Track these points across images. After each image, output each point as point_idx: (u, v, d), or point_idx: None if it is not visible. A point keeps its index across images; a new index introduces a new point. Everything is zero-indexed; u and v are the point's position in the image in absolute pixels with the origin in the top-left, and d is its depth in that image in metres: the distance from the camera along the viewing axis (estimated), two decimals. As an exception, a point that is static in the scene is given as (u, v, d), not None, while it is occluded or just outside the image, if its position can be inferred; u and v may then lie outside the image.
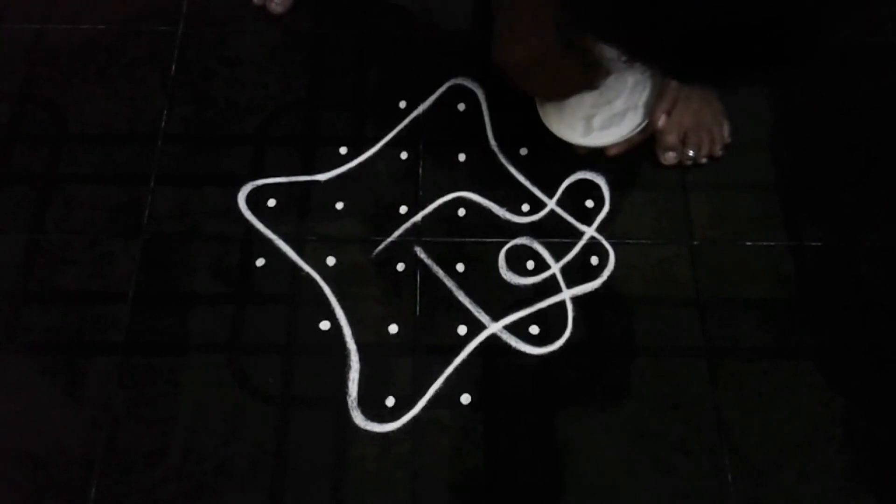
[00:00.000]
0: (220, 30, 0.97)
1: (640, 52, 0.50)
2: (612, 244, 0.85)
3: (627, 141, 0.82)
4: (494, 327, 0.81)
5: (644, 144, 0.86)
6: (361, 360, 0.79)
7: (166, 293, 0.82)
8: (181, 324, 0.80)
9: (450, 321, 0.81)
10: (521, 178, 0.89)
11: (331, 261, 0.84)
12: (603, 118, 0.82)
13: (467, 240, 0.85)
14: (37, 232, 0.85)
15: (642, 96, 0.82)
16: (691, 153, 0.88)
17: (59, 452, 0.75)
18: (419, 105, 0.92)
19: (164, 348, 0.79)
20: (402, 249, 0.85)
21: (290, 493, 0.73)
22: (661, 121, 0.83)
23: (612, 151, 0.83)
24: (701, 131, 0.88)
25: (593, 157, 0.86)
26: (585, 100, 0.82)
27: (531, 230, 0.86)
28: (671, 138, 0.88)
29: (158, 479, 0.74)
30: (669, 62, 0.49)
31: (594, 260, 0.85)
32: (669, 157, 0.88)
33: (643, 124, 0.81)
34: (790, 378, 0.79)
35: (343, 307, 0.82)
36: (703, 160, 0.89)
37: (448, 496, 0.74)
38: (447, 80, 0.94)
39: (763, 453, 0.76)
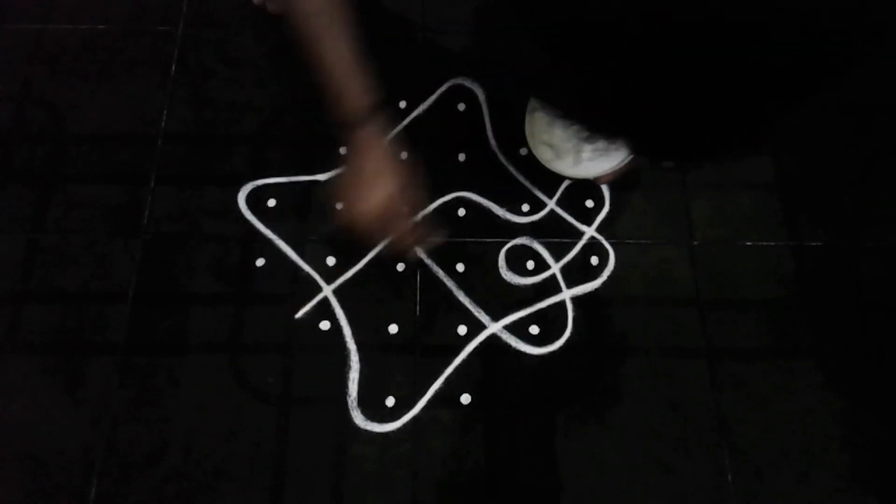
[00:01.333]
0: (220, 30, 0.97)
1: (601, 133, 0.50)
2: (612, 244, 0.85)
3: (617, 170, 0.82)
4: (494, 327, 0.81)
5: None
6: (361, 360, 0.79)
7: (166, 293, 0.82)
8: (181, 324, 0.80)
9: (450, 321, 0.81)
10: (521, 178, 0.89)
11: (331, 261, 0.84)
12: (592, 149, 0.82)
13: (467, 240, 0.85)
14: (37, 232, 0.85)
15: None
16: None
17: (59, 452, 0.75)
18: (419, 105, 0.92)
19: (164, 348, 0.79)
20: (402, 249, 0.85)
21: (290, 493, 0.73)
22: None
23: (602, 181, 0.83)
24: None
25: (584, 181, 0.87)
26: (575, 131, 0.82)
27: (531, 230, 0.86)
28: None
29: (158, 479, 0.74)
30: (631, 143, 0.50)
31: (594, 260, 0.85)
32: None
33: (631, 156, 0.81)
34: (790, 378, 0.79)
35: (343, 307, 0.82)
36: None
37: (448, 496, 0.74)
38: (447, 80, 0.94)
39: (763, 453, 0.76)
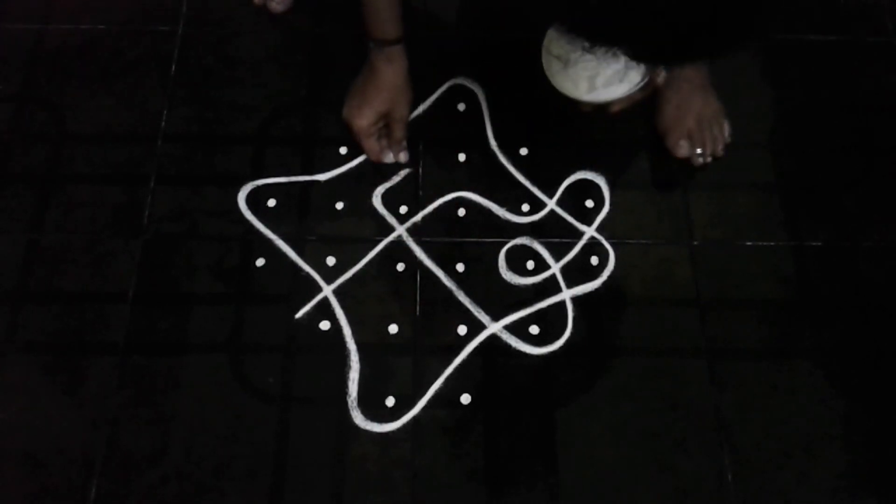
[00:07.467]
0: (220, 30, 0.97)
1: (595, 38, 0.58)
2: (612, 244, 0.85)
3: (629, 98, 0.82)
4: (494, 327, 0.81)
5: (647, 138, 0.86)
6: (361, 360, 0.79)
7: (166, 293, 0.82)
8: (181, 324, 0.80)
9: (450, 321, 0.81)
10: (521, 178, 0.89)
11: (331, 261, 0.84)
12: (606, 76, 0.82)
13: (467, 240, 0.85)
14: (37, 232, 0.85)
15: None
16: (699, 151, 0.88)
17: (59, 452, 0.75)
18: (419, 105, 0.92)
19: (164, 348, 0.79)
20: (402, 249, 0.85)
21: (290, 493, 0.73)
22: (661, 77, 0.82)
23: (615, 108, 0.83)
24: (703, 131, 0.89)
25: (596, 122, 0.86)
26: (589, 59, 0.82)
27: (531, 230, 0.86)
28: (678, 133, 0.88)
29: (158, 479, 0.74)
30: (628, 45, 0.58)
31: (594, 260, 0.85)
32: (683, 146, 0.88)
33: (644, 81, 0.81)
34: (790, 378, 0.79)
35: (343, 307, 0.82)
36: (709, 159, 0.89)
37: (448, 496, 0.74)
38: (447, 80, 0.94)
39: (763, 453, 0.76)
